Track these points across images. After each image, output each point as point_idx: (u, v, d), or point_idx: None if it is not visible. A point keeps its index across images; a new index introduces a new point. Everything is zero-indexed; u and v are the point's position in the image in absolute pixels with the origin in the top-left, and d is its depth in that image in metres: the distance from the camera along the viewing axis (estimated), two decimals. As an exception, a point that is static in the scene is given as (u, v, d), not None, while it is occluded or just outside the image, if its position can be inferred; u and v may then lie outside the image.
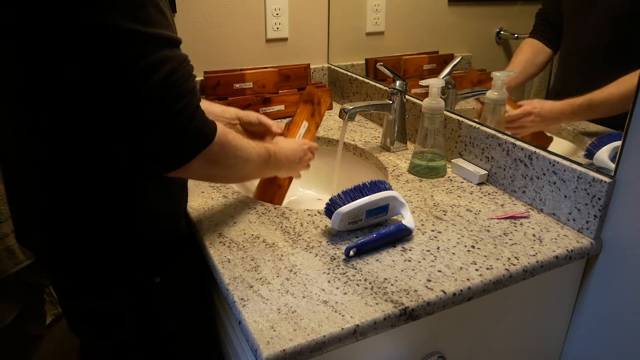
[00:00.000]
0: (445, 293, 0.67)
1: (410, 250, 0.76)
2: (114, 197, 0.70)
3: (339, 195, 0.79)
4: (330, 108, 1.46)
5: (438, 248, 0.77)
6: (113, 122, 0.61)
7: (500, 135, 0.94)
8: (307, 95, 1.10)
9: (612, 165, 0.76)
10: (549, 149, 0.87)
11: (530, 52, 0.97)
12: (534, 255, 0.75)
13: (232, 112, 1.01)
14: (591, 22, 0.85)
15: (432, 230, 0.82)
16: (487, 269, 0.72)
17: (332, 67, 1.53)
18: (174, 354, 0.85)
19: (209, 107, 0.98)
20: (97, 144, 0.65)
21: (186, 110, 0.62)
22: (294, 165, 0.93)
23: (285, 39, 1.47)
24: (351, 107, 1.06)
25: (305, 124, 1.07)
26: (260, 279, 0.69)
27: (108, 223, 0.71)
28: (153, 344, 0.81)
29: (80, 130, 0.64)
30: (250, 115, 1.01)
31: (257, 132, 1.02)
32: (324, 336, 0.59)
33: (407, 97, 1.14)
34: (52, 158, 0.66)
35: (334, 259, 0.74)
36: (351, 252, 0.74)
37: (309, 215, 0.86)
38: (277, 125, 1.03)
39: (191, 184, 0.98)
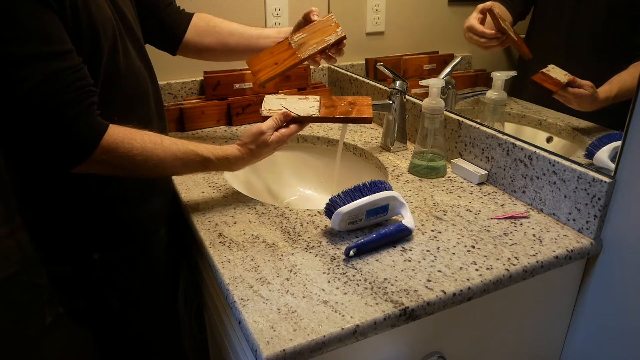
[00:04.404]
0: (445, 293, 0.67)
1: (410, 250, 0.76)
2: (60, 180, 0.77)
3: (339, 195, 0.79)
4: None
5: (438, 248, 0.77)
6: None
7: (500, 135, 0.94)
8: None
9: (612, 165, 0.76)
10: (548, 148, 0.87)
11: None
12: (534, 255, 0.75)
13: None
14: (574, 5, 0.84)
15: (432, 230, 0.82)
16: (487, 269, 0.72)
17: (332, 67, 1.53)
18: (129, 333, 0.93)
19: (265, 32, 1.07)
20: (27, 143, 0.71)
21: (57, 123, 0.65)
22: (257, 158, 0.89)
23: (285, 39, 1.47)
24: (351, 107, 1.06)
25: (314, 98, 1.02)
26: (260, 279, 0.69)
27: (57, 203, 0.80)
28: (103, 319, 0.90)
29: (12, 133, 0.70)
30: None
31: None
32: (324, 336, 0.59)
33: (407, 97, 1.14)
34: (11, 155, 0.78)
35: (334, 259, 0.74)
36: (351, 252, 0.73)
37: (309, 215, 0.86)
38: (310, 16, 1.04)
39: (190, 183, 0.98)
